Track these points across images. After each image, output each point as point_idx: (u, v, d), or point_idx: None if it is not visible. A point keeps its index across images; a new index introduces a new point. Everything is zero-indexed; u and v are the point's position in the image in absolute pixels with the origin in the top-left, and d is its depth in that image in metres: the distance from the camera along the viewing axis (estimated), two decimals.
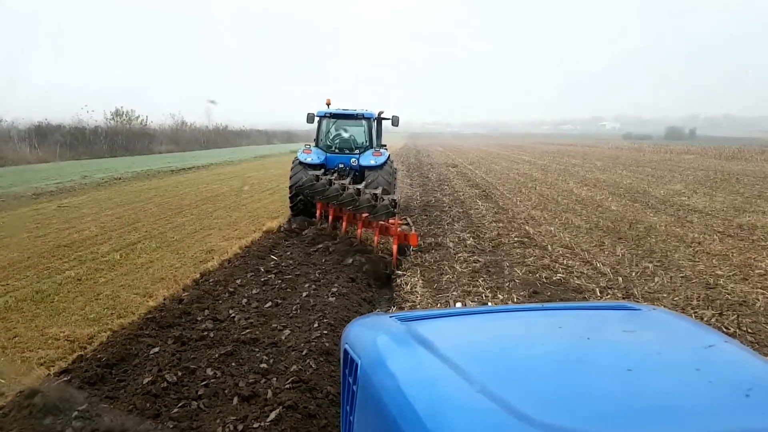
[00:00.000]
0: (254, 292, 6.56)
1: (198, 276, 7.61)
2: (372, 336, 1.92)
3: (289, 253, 8.67)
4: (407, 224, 9.15)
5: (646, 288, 7.30)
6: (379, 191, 9.28)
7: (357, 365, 1.72)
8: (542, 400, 1.24)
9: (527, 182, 21.06)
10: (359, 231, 9.52)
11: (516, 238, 10.35)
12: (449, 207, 14.53)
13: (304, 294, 6.51)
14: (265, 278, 7.16)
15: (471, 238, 10.41)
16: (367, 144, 12.68)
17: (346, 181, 10.41)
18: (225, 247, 9.77)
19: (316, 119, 12.80)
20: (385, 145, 13.23)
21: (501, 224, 11.88)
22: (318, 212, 11.03)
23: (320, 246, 9.23)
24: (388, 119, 13.22)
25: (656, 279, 7.70)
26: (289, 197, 11.94)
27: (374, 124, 12.87)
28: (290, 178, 11.71)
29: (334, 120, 12.94)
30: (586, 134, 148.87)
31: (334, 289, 6.76)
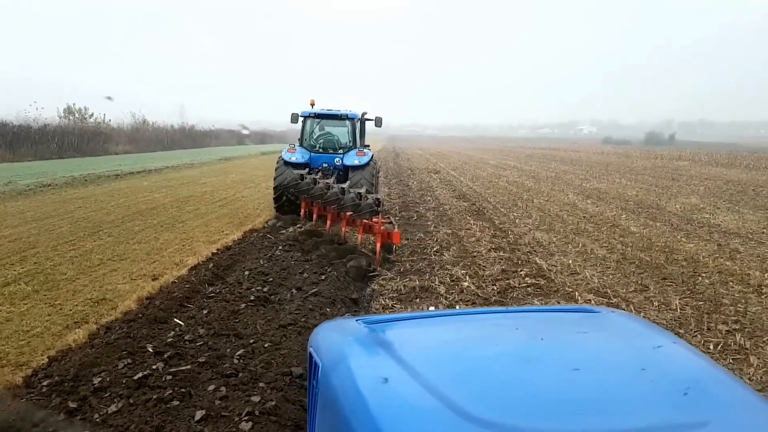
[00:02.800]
0: (111, 409, 3.75)
1: (45, 361, 4.78)
2: (334, 338, 1.88)
3: (205, 312, 5.83)
4: (390, 223, 9.29)
5: (745, 382, 4.74)
6: (363, 190, 9.38)
7: (319, 367, 1.67)
8: (486, 398, 1.28)
9: (521, 193, 18.53)
10: (343, 229, 9.55)
11: (527, 279, 7.73)
12: (435, 227, 11.85)
13: (199, 415, 3.73)
14: (148, 371, 4.34)
15: (467, 278, 7.76)
16: (351, 144, 12.76)
17: (331, 180, 10.52)
18: (124, 294, 6.92)
19: (300, 119, 12.79)
20: (368, 146, 13.11)
21: (503, 254, 9.26)
22: (302, 211, 11.29)
23: (265, 287, 6.55)
24: (372, 120, 13.21)
25: (753, 360, 5.14)
26: (274, 196, 12.02)
27: (358, 125, 12.95)
28: (275, 177, 11.83)
29: (318, 120, 13.04)
30: (565, 138, 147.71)
31: (256, 398, 4.00)
